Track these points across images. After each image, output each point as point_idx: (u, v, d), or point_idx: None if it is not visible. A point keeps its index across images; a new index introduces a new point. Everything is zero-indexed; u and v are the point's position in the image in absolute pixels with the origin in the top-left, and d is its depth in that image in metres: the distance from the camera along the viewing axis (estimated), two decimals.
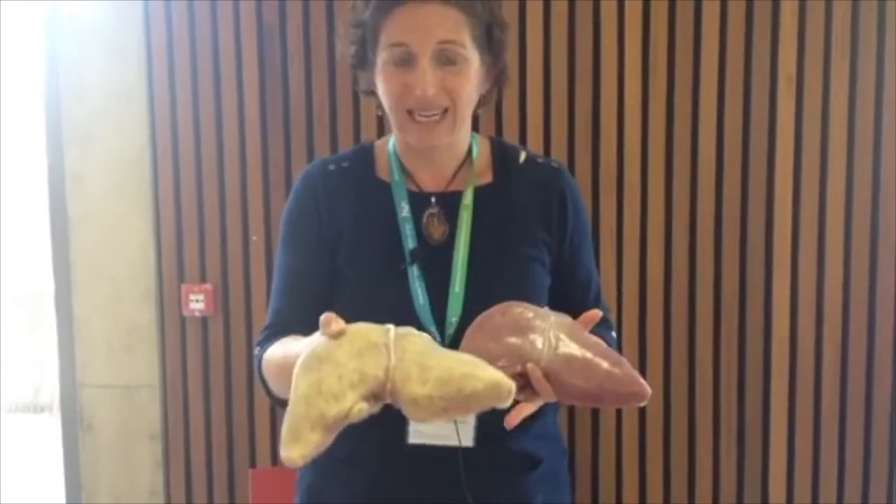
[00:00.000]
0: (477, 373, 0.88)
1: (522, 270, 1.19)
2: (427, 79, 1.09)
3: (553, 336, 0.96)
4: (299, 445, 0.85)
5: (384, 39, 1.12)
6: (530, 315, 0.98)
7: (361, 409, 0.86)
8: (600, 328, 1.21)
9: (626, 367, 0.98)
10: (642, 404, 0.98)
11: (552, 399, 0.97)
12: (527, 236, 1.19)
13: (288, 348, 1.08)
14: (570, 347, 0.96)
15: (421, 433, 1.12)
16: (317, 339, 0.90)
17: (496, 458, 1.17)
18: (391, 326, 0.90)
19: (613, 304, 1.99)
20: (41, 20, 2.19)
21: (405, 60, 1.10)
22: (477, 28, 1.13)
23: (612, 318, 1.33)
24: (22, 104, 3.87)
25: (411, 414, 0.89)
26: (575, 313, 1.20)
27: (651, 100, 1.98)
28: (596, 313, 1.01)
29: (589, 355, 0.97)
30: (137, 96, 2.15)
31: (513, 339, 0.95)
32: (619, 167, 2.00)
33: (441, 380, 0.87)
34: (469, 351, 0.95)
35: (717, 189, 1.99)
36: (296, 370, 0.88)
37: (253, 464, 2.17)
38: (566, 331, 0.98)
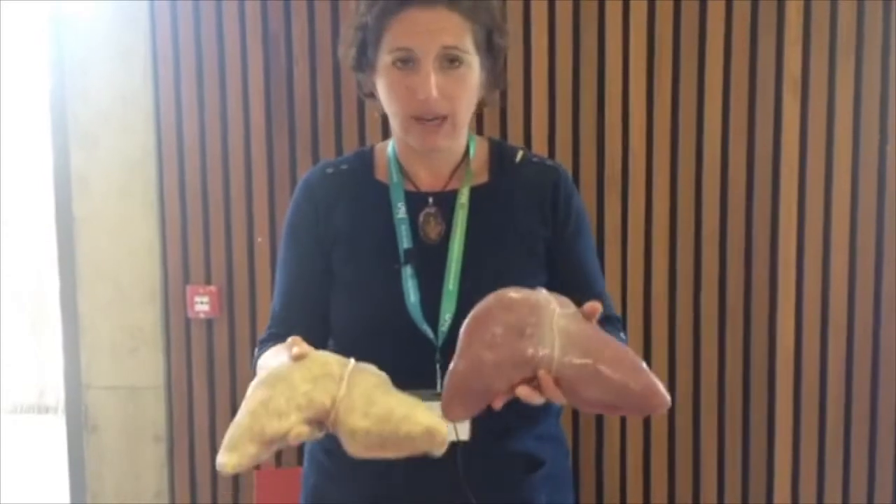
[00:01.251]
0: (416, 416, 0.91)
1: (517, 268, 1.19)
2: (430, 83, 1.09)
3: (560, 337, 0.90)
4: (235, 454, 0.89)
5: (387, 43, 1.12)
6: (532, 308, 0.91)
7: (301, 433, 0.90)
8: (610, 328, 1.21)
9: (642, 376, 0.91)
10: (661, 412, 0.92)
11: (562, 402, 0.95)
12: (522, 234, 1.20)
13: (276, 359, 1.10)
14: (581, 353, 0.89)
15: None
16: (283, 359, 0.95)
17: (499, 459, 1.17)
18: (351, 360, 0.94)
19: (618, 306, 1.98)
20: (47, 22, 2.20)
21: (408, 65, 1.11)
22: (479, 34, 1.14)
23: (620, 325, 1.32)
24: (27, 106, 3.88)
25: (348, 446, 0.92)
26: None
27: (656, 101, 1.98)
28: (597, 305, 0.96)
29: (603, 366, 0.89)
30: (143, 98, 2.15)
31: (517, 344, 0.89)
32: (623, 169, 2.00)
33: (381, 417, 0.90)
34: (468, 360, 0.92)
35: (722, 190, 1.99)
36: (253, 383, 0.93)
37: (257, 465, 2.17)
38: (573, 325, 0.91)
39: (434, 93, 1.10)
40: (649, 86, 1.98)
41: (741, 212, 1.98)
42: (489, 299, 0.94)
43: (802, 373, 1.99)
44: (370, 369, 0.95)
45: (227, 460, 0.89)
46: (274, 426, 0.89)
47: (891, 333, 1.96)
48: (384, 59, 1.13)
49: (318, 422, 0.91)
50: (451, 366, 0.95)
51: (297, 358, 0.93)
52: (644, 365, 0.92)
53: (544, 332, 0.90)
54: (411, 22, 1.10)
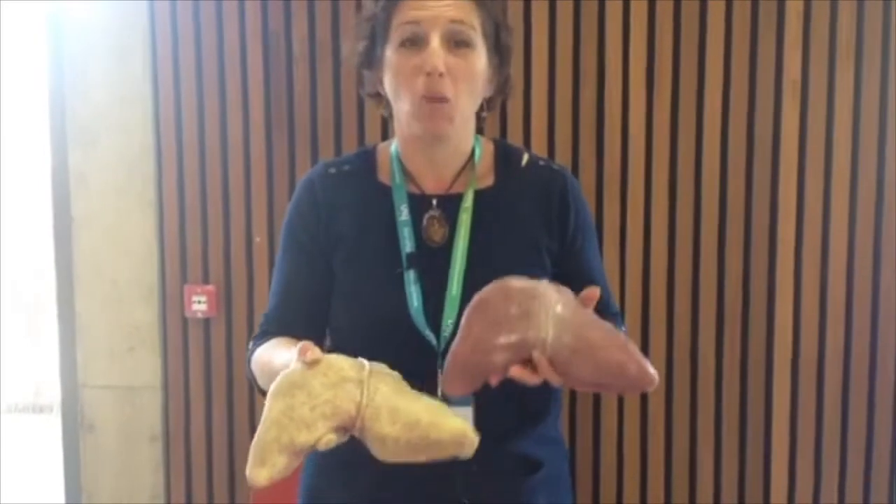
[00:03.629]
0: (442, 422, 0.93)
1: (521, 274, 1.18)
2: (438, 56, 1.09)
3: (555, 321, 0.95)
4: (266, 468, 0.90)
5: (395, 25, 1.12)
6: (531, 296, 0.97)
7: (330, 440, 0.91)
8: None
9: (631, 356, 0.97)
10: (650, 389, 0.99)
11: (558, 382, 0.97)
12: (527, 240, 1.19)
13: (274, 354, 1.11)
14: (574, 336, 0.95)
15: None
16: (293, 364, 0.94)
17: (497, 462, 1.17)
18: (365, 362, 0.94)
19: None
20: (46, 20, 2.20)
21: (415, 41, 1.11)
22: (486, 23, 1.14)
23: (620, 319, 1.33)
24: (26, 104, 3.88)
25: (378, 451, 0.93)
26: None
27: (655, 105, 1.98)
28: (595, 290, 1.00)
29: (594, 347, 0.96)
30: (142, 97, 2.15)
31: (515, 326, 0.95)
32: (623, 171, 2.00)
33: (409, 424, 0.91)
34: (470, 340, 0.97)
35: (721, 193, 1.99)
36: (269, 393, 0.92)
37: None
38: (569, 312, 0.97)
39: (441, 67, 1.09)
40: (649, 90, 1.98)
41: (740, 213, 1.98)
42: (491, 286, 0.99)
43: (800, 373, 2.00)
44: (384, 370, 0.95)
45: (258, 474, 0.90)
46: (303, 436, 0.89)
47: (889, 333, 1.96)
48: (392, 42, 1.13)
49: (343, 428, 0.92)
50: (453, 345, 0.99)
51: (311, 364, 0.92)
52: (633, 345, 0.98)
53: (541, 316, 0.96)
54: (419, 3, 1.11)
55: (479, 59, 1.13)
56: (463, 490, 1.14)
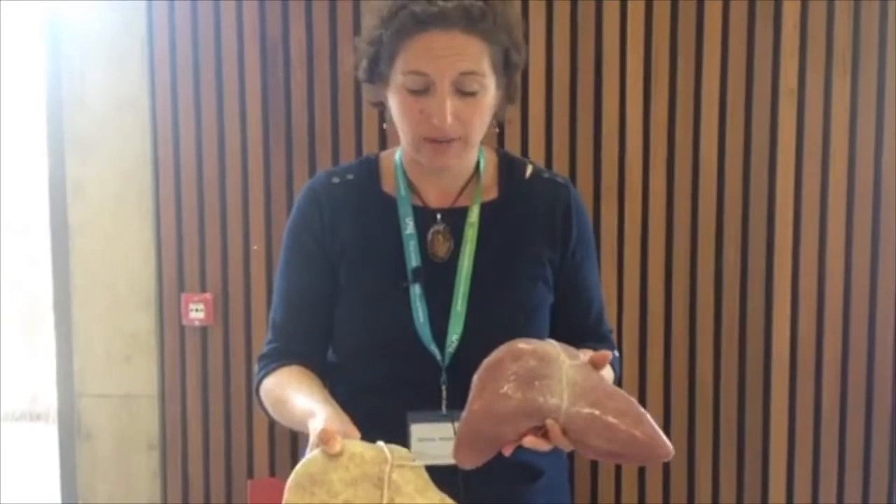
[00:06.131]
0: None
1: (525, 289, 1.18)
2: (445, 109, 1.07)
3: (569, 388, 0.93)
4: None
5: (402, 63, 1.09)
6: (543, 362, 0.94)
7: None
8: (603, 347, 1.21)
9: (647, 427, 0.94)
10: (665, 461, 0.97)
11: (569, 450, 0.96)
12: (531, 254, 1.19)
13: (291, 395, 1.09)
14: (589, 404, 0.93)
15: (424, 455, 1.11)
16: (311, 445, 0.92)
17: (498, 471, 1.16)
18: (388, 453, 0.92)
19: (614, 315, 1.99)
20: (43, 28, 2.20)
21: (423, 88, 1.08)
22: (496, 55, 1.11)
23: (613, 335, 1.33)
24: (23, 111, 3.87)
25: None
26: (575, 331, 1.19)
27: (653, 113, 1.99)
28: (606, 355, 0.98)
29: (610, 417, 0.93)
30: (140, 104, 2.15)
31: (528, 393, 0.93)
32: (620, 178, 2.00)
33: None
34: (482, 405, 0.94)
35: (719, 201, 1.99)
36: (289, 484, 0.90)
37: (251, 474, 2.16)
38: (581, 376, 0.94)
39: (449, 119, 1.07)
40: (646, 98, 1.99)
41: (737, 221, 1.99)
42: (501, 350, 0.96)
43: (798, 376, 2.00)
44: (406, 459, 0.93)
45: None
46: None
47: (886, 337, 1.97)
48: (397, 77, 1.10)
49: None
50: (464, 413, 0.96)
51: (333, 455, 0.90)
52: (648, 416, 0.96)
53: (553, 382, 0.93)
54: (428, 46, 1.07)
55: (489, 95, 1.11)
56: (465, 497, 1.14)
